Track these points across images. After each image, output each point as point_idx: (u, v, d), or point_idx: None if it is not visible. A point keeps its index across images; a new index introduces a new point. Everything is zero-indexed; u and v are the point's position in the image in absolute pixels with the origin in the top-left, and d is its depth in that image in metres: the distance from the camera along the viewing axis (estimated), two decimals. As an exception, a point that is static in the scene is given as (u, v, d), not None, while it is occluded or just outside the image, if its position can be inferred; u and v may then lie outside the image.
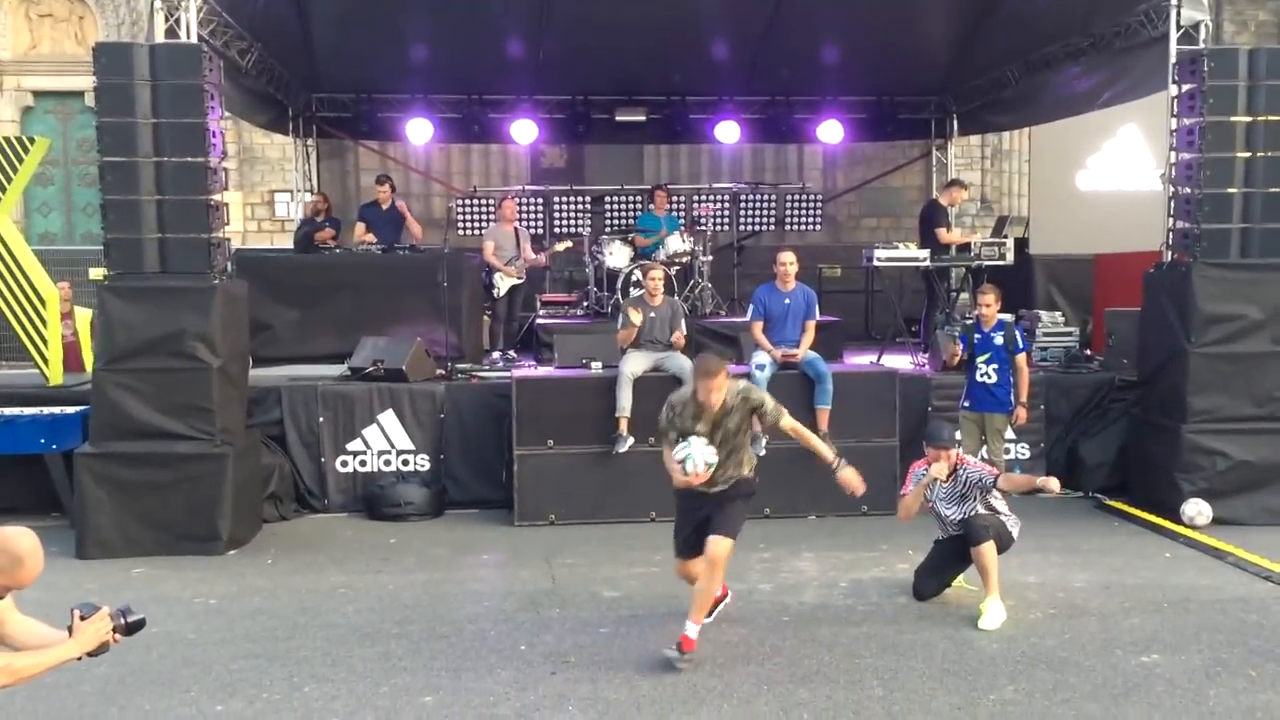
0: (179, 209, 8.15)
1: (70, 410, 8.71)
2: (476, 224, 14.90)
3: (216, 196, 8.32)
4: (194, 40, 8.42)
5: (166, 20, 8.43)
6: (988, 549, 6.51)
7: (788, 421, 6.23)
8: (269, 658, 5.93)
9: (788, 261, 9.23)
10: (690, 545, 6.05)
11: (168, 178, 8.12)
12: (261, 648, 6.09)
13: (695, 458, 5.77)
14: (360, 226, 12.57)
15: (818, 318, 9.37)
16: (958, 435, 8.23)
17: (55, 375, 9.57)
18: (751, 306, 9.37)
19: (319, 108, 14.37)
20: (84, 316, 10.49)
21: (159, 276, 8.17)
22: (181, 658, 5.95)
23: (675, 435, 5.97)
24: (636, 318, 8.96)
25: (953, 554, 6.80)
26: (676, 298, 11.16)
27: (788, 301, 9.17)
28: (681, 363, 9.04)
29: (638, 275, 12.33)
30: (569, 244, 13.15)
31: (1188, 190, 8.92)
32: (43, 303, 9.48)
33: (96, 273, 8.73)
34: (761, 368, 8.99)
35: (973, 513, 6.69)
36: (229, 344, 8.33)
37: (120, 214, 8.14)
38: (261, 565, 7.82)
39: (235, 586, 7.26)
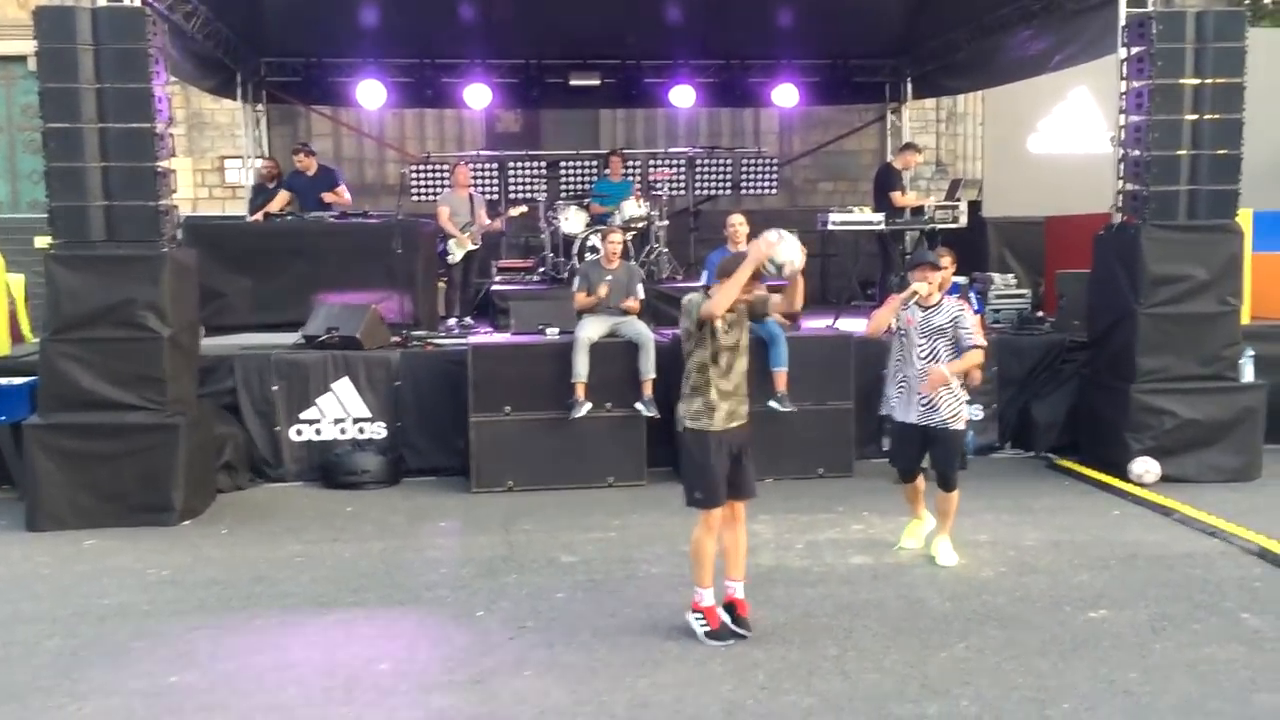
0: (125, 176, 8.01)
1: (17, 381, 8.57)
2: (431, 190, 14.80)
3: (164, 163, 8.18)
4: (137, 3, 8.24)
5: (109, -17, 8.25)
6: (955, 495, 6.74)
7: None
8: (224, 628, 5.90)
9: (737, 223, 9.27)
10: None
11: (113, 144, 7.97)
12: (217, 618, 6.06)
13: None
14: (284, 195, 12.38)
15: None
16: (946, 261, 7.94)
17: (2, 346, 9.41)
18: (705, 271, 9.38)
19: (268, 72, 14.14)
20: (17, 283, 10.29)
21: (106, 245, 8.04)
22: (135, 629, 5.91)
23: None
24: (602, 290, 8.96)
25: (915, 441, 6.75)
26: (634, 262, 11.17)
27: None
28: (637, 327, 9.05)
29: (594, 240, 12.32)
30: (524, 209, 13.09)
31: (1136, 153, 9.01)
32: (-12, 274, 9.32)
33: (42, 241, 8.58)
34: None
35: (940, 359, 6.55)
36: (179, 313, 8.22)
37: (65, 182, 7.99)
38: (216, 535, 7.77)
39: (189, 557, 7.21)
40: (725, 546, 5.74)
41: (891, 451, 7.07)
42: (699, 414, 5.61)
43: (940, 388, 6.58)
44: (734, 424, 5.63)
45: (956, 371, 6.63)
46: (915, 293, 6.62)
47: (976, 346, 6.61)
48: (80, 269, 8.01)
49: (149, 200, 8.06)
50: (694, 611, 5.68)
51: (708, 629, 5.61)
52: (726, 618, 5.66)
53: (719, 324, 5.52)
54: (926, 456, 6.82)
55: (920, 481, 6.96)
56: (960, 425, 6.70)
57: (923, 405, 6.64)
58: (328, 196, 12.21)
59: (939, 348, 6.61)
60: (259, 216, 12.13)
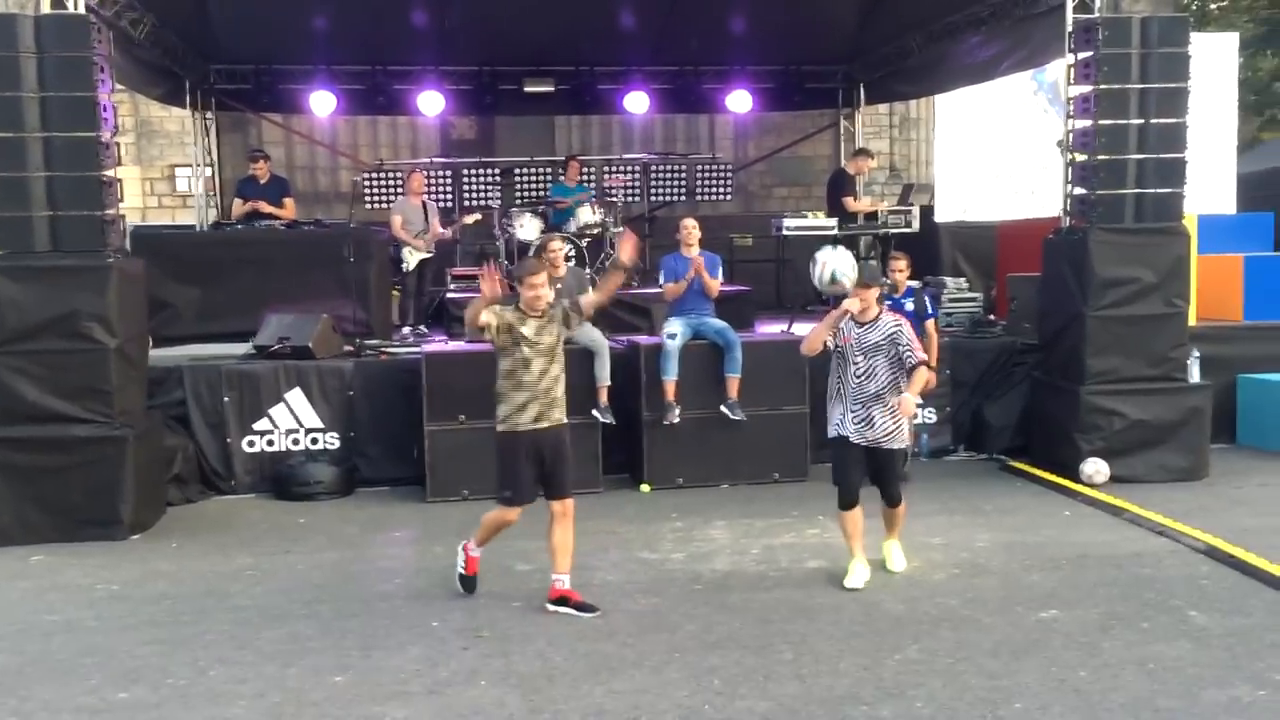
0: (70, 185, 7.90)
1: (-39, 395, 8.40)
2: (384, 198, 14.68)
3: (109, 172, 8.08)
4: (81, 10, 8.12)
5: (52, -10, 8.13)
6: (902, 507, 6.72)
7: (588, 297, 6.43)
8: (174, 643, 5.82)
9: (690, 226, 9.30)
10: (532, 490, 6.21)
11: (57, 154, 7.86)
12: (166, 633, 5.97)
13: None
14: (238, 202, 12.29)
15: (719, 277, 9.38)
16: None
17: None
18: (661, 272, 9.41)
19: (217, 79, 14.00)
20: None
21: (51, 255, 7.92)
22: (83, 645, 5.82)
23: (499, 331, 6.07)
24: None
25: (858, 460, 6.50)
26: (586, 269, 11.15)
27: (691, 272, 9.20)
28: (593, 335, 9.04)
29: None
30: (477, 217, 13.02)
31: (1084, 157, 9.12)
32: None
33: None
34: (673, 337, 9.04)
35: (877, 376, 6.37)
36: (126, 324, 8.11)
37: (8, 191, 7.86)
38: (166, 549, 7.66)
39: (138, 571, 7.10)
40: (554, 544, 6.18)
41: (834, 471, 6.64)
42: (508, 415, 6.11)
43: (882, 410, 6.40)
44: (543, 425, 6.07)
45: (917, 394, 6.44)
46: (847, 310, 6.42)
47: (920, 364, 6.41)
48: (25, 280, 7.89)
49: (94, 210, 7.95)
50: (560, 600, 6.15)
51: (463, 572, 6.42)
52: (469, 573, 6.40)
53: (528, 329, 6.00)
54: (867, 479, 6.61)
55: (859, 513, 6.54)
56: (899, 444, 6.56)
57: (857, 423, 6.45)
58: (274, 209, 12.09)
59: (876, 365, 6.42)
60: (241, 212, 12.04)
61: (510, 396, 6.12)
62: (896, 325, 6.46)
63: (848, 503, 6.55)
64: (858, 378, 6.45)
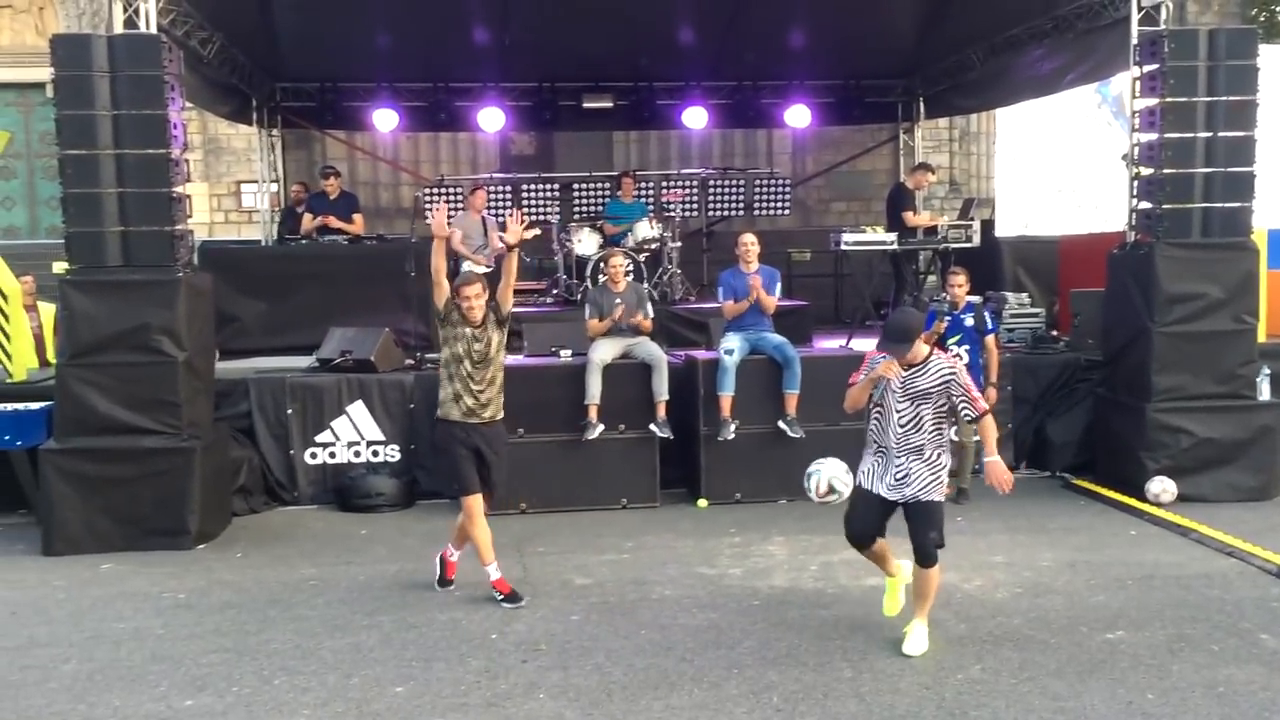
0: (141, 201, 8.08)
1: (34, 406, 8.61)
2: (445, 213, 14.82)
3: (179, 188, 8.26)
4: (153, 30, 8.32)
5: (125, 10, 8.33)
6: (935, 573, 5.73)
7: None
8: (239, 651, 5.91)
9: (748, 242, 9.26)
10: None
11: (129, 170, 8.05)
12: (231, 641, 6.07)
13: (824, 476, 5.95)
14: (308, 217, 12.49)
15: (777, 293, 9.33)
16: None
17: (19, 371, 9.47)
18: (720, 289, 9.39)
19: (283, 97, 14.25)
20: (48, 311, 10.39)
21: (122, 270, 8.10)
22: (150, 653, 5.92)
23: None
24: (618, 313, 8.96)
25: (875, 510, 5.77)
26: (644, 284, 11.18)
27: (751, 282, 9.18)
28: (650, 349, 9.07)
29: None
30: (536, 231, 13.10)
31: (1150, 171, 8.99)
32: (5, 298, 9.38)
33: (59, 266, 8.65)
34: (730, 352, 9.01)
35: (923, 427, 5.60)
36: (194, 337, 8.27)
37: (81, 207, 8.06)
38: (231, 559, 7.79)
39: (204, 581, 7.22)
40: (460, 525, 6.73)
41: (847, 514, 5.90)
42: (444, 402, 6.57)
43: (921, 465, 5.63)
44: (473, 420, 6.51)
45: (992, 451, 5.71)
46: (883, 376, 5.66)
47: (984, 414, 5.65)
48: (96, 294, 8.07)
49: (164, 225, 8.12)
50: (495, 590, 6.56)
51: (503, 598, 6.55)
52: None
53: (469, 330, 6.47)
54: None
55: (880, 543, 5.89)
56: (938, 495, 5.68)
57: (897, 479, 5.66)
58: (343, 224, 12.26)
59: (923, 414, 5.61)
60: (311, 227, 12.25)
61: (447, 383, 6.59)
62: (950, 371, 5.64)
63: (858, 543, 5.91)
64: (902, 426, 5.64)
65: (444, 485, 9.43)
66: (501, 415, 6.73)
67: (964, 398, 5.61)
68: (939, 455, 5.68)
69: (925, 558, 5.67)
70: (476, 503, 6.59)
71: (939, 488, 5.68)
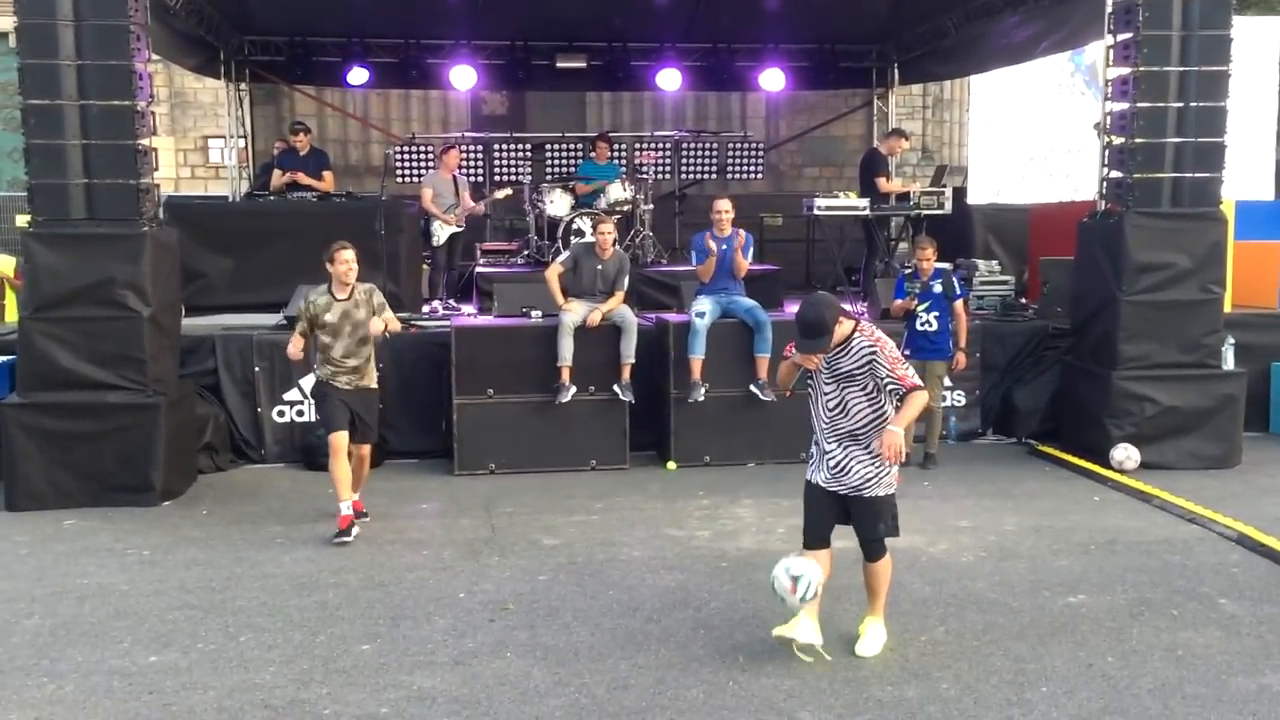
0: (105, 154, 7.95)
1: (-3, 359, 8.51)
2: (415, 171, 14.73)
3: (145, 141, 8.12)
4: (118, -22, 8.15)
5: (90, -42, 8.15)
6: (883, 566, 5.35)
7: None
8: (204, 608, 5.88)
9: (723, 209, 9.22)
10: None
11: (93, 122, 7.91)
12: (196, 599, 6.04)
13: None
14: (277, 173, 12.34)
15: (749, 259, 9.33)
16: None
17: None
18: (693, 253, 9.36)
19: (251, 51, 14.04)
20: (7, 263, 10.24)
21: (86, 223, 7.98)
22: (114, 609, 5.88)
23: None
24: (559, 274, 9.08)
25: (826, 507, 5.31)
26: (625, 252, 11.12)
27: (724, 247, 9.17)
28: (621, 311, 9.03)
29: (579, 224, 12.29)
30: (508, 191, 13.04)
31: (1121, 140, 9.01)
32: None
33: (22, 219, 8.51)
34: (701, 315, 9.00)
35: (851, 413, 5.15)
36: (159, 292, 8.16)
37: (44, 159, 7.92)
38: (196, 516, 7.74)
39: (169, 537, 7.17)
40: (349, 474, 7.28)
41: (805, 517, 5.41)
42: (321, 375, 7.29)
43: (861, 456, 5.18)
44: (341, 384, 7.23)
45: (907, 425, 5.27)
46: (800, 366, 5.26)
47: (912, 389, 5.06)
48: (60, 247, 7.95)
49: (129, 178, 8.00)
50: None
51: (337, 530, 7.07)
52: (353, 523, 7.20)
53: (332, 315, 7.15)
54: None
55: (825, 557, 5.33)
56: (880, 491, 5.20)
57: (832, 468, 5.23)
58: (313, 181, 12.12)
59: (850, 399, 5.16)
60: (280, 183, 12.11)
61: (322, 367, 7.27)
62: (872, 350, 5.09)
63: (810, 547, 5.36)
64: (828, 411, 5.23)
65: (412, 444, 9.44)
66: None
67: (889, 376, 5.06)
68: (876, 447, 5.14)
69: (871, 552, 5.31)
70: (342, 440, 7.24)
71: (883, 482, 5.20)
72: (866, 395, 5.14)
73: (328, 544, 6.98)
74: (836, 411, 5.20)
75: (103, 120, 7.91)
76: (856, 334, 5.13)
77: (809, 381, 5.34)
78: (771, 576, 5.16)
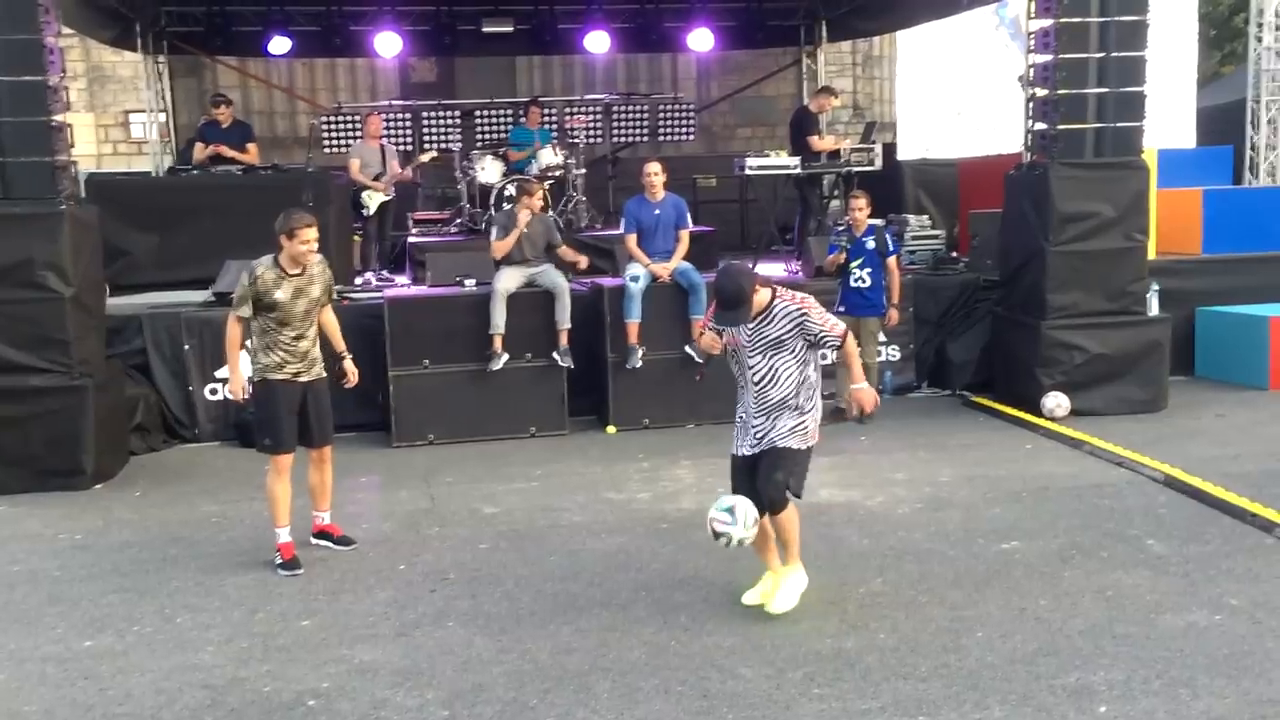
0: (18, 131, 7.75)
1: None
2: (343, 142, 14.53)
3: (59, 117, 7.91)
4: (23, -51, 7.90)
5: (-7, -72, 7.90)
6: (786, 519, 5.19)
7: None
8: (139, 591, 5.80)
9: (652, 172, 9.20)
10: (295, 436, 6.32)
11: (3, 98, 7.70)
12: (131, 581, 5.95)
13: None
14: (199, 147, 12.09)
15: (690, 227, 9.37)
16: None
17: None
18: (623, 220, 9.33)
19: (169, 21, 13.71)
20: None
21: (1, 203, 7.77)
22: (46, 595, 5.79)
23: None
24: (513, 236, 8.85)
25: (748, 477, 5.26)
26: (550, 214, 11.07)
27: (658, 212, 9.15)
28: (554, 277, 9.01)
29: (511, 190, 12.19)
30: (434, 154, 12.92)
31: (1044, 92, 9.10)
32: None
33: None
34: (635, 279, 8.99)
35: (781, 380, 5.09)
36: (81, 272, 7.98)
37: (-46, 138, 7.70)
38: (129, 498, 7.62)
39: (101, 521, 7.06)
40: (312, 485, 6.49)
41: (732, 490, 5.29)
42: (266, 368, 6.18)
43: (783, 413, 5.13)
44: (300, 379, 6.22)
45: (859, 377, 5.35)
46: (714, 346, 5.23)
47: (844, 338, 5.15)
48: (-26, 228, 7.74)
49: (44, 155, 7.81)
50: (276, 551, 6.14)
51: (280, 561, 6.10)
52: (295, 552, 6.18)
53: (282, 293, 6.10)
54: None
55: (767, 524, 5.22)
56: (794, 442, 5.12)
57: (757, 437, 5.19)
58: (237, 154, 11.89)
59: (779, 366, 5.08)
60: (203, 156, 11.85)
61: (265, 354, 6.21)
62: (800, 312, 5.04)
63: None
64: (757, 383, 5.13)
65: (348, 417, 9.32)
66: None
67: (821, 330, 5.04)
68: (808, 403, 5.18)
69: (771, 503, 5.10)
70: (288, 461, 6.38)
71: (799, 435, 5.14)
72: (796, 358, 5.10)
73: (267, 528, 6.90)
74: (766, 382, 5.12)
75: (12, 96, 7.70)
76: (777, 300, 5.08)
77: (732, 356, 5.26)
78: (708, 523, 5.08)
